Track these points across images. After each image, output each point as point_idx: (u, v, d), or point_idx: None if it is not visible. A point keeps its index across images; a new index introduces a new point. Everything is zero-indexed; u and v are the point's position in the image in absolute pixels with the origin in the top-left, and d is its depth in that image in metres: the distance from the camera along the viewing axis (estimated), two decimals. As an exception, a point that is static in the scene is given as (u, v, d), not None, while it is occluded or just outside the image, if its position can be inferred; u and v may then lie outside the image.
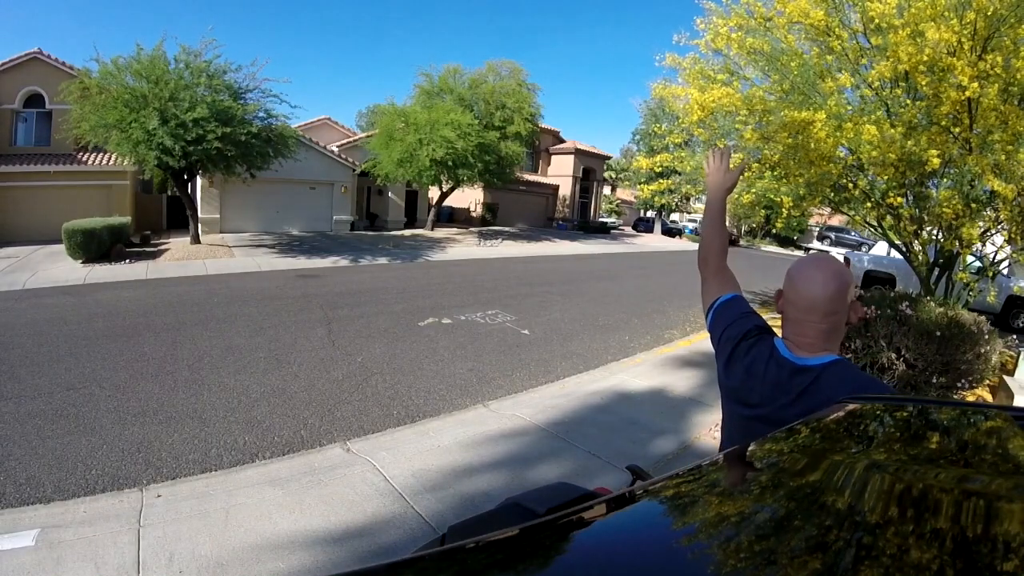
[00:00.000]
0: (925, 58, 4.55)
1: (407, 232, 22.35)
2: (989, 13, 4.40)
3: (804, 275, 1.19)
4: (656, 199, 31.56)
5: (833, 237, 31.66)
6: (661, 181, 8.82)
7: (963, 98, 4.68)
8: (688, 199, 34.76)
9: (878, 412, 1.21)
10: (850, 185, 6.54)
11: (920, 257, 6.60)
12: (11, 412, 4.30)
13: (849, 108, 5.73)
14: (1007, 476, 0.71)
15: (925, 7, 4.48)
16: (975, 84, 4.44)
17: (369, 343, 6.70)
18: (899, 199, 5.90)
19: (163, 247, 14.87)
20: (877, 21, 4.96)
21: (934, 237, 6.59)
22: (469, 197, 28.30)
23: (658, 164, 7.49)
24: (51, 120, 16.33)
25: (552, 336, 7.58)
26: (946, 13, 4.53)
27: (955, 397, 4.30)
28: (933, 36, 4.38)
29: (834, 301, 1.16)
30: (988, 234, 6.50)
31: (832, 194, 6.77)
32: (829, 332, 1.17)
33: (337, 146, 22.43)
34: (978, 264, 7.10)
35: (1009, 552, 0.48)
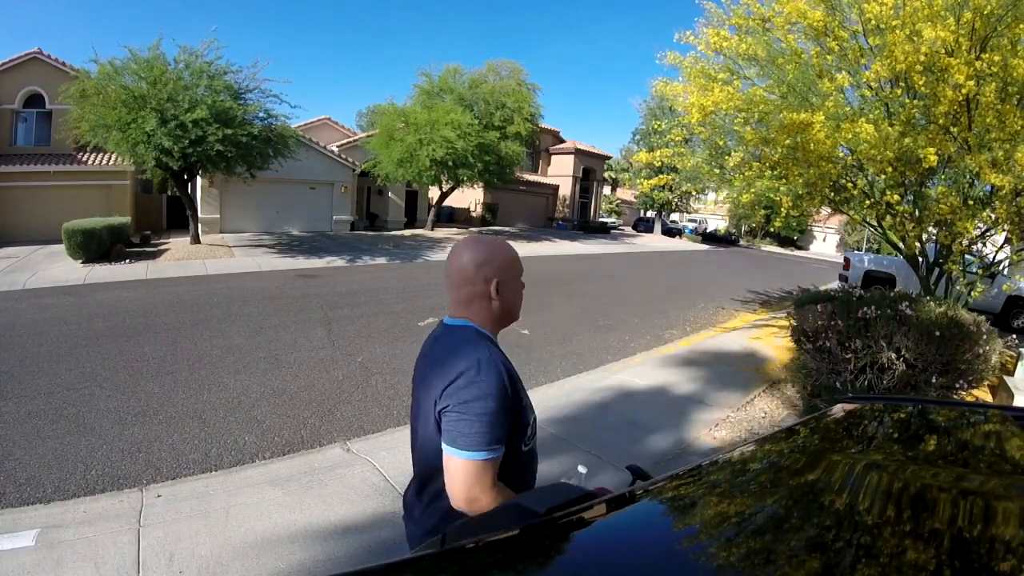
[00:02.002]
0: (922, 57, 4.55)
1: (407, 232, 22.35)
2: (986, 12, 4.40)
3: (452, 250, 1.31)
4: (656, 194, 31.54)
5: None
6: (661, 176, 8.81)
7: (960, 97, 4.69)
8: (688, 197, 34.74)
9: (877, 412, 1.21)
10: (849, 185, 6.54)
11: (918, 251, 6.60)
12: (11, 412, 4.30)
13: (848, 108, 5.74)
14: (1004, 475, 0.72)
15: (922, 7, 4.48)
16: (971, 83, 4.44)
17: (369, 343, 6.70)
18: (895, 196, 5.91)
19: (163, 247, 14.87)
20: (875, 22, 4.97)
21: (933, 236, 6.60)
22: (469, 197, 28.30)
23: (658, 159, 7.48)
24: (51, 120, 16.32)
25: (552, 336, 7.58)
26: (943, 13, 4.53)
27: (954, 397, 4.31)
28: (930, 35, 4.38)
29: (464, 272, 1.25)
30: (988, 234, 6.50)
31: (832, 194, 6.78)
32: (465, 300, 1.26)
33: (337, 146, 22.43)
34: (977, 264, 7.10)
35: (1006, 551, 0.48)
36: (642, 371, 6.10)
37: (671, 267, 19.04)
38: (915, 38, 4.60)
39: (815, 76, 5.86)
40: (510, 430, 1.17)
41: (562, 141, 34.56)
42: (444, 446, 1.14)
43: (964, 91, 4.56)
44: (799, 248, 40.27)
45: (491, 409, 1.11)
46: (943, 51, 4.63)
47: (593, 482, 3.11)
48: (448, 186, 22.64)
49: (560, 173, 33.90)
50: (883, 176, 6.01)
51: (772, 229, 37.62)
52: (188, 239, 15.52)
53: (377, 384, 5.35)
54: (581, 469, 1.37)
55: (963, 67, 4.43)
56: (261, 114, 14.35)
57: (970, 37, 4.63)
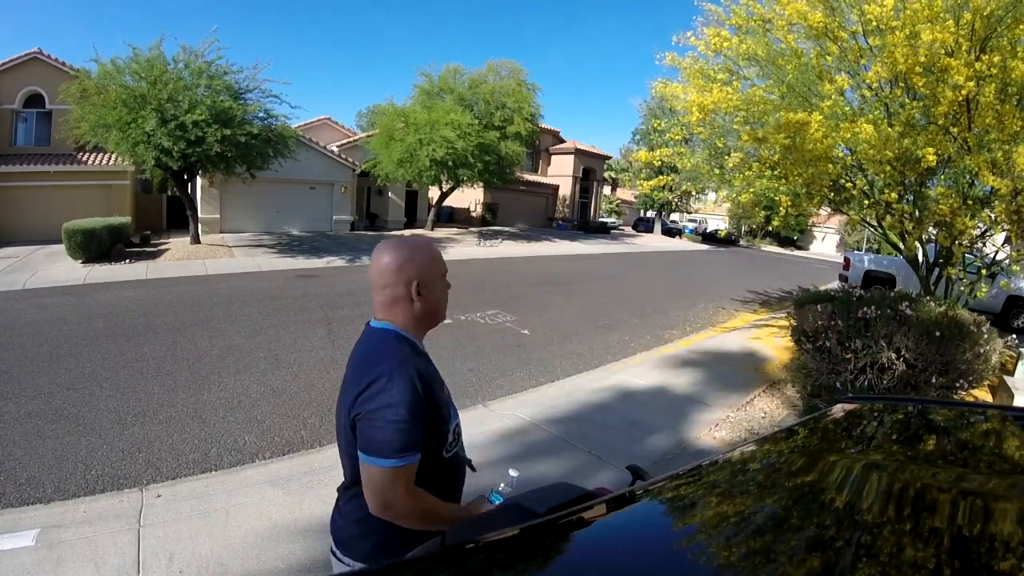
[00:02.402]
0: (922, 59, 4.56)
1: (407, 232, 22.35)
2: (985, 14, 4.41)
3: (374, 251, 1.30)
4: (656, 194, 31.53)
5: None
6: (661, 176, 8.80)
7: (960, 98, 4.69)
8: (688, 197, 34.73)
9: (877, 412, 1.21)
10: (848, 184, 6.54)
11: (918, 252, 6.60)
12: (11, 412, 4.30)
13: (848, 108, 5.74)
14: (1004, 475, 0.72)
15: (922, 8, 4.48)
16: (971, 84, 4.44)
17: (369, 343, 6.70)
18: (894, 195, 5.91)
19: (163, 247, 14.86)
20: (875, 23, 4.97)
21: (932, 236, 6.60)
22: (469, 197, 28.29)
23: (658, 158, 7.47)
24: (51, 120, 16.32)
25: (552, 336, 7.58)
26: (942, 15, 4.54)
27: (954, 397, 4.31)
28: (928, 37, 4.38)
29: (384, 274, 1.24)
30: (988, 234, 6.50)
31: (831, 194, 6.78)
32: (388, 303, 1.26)
33: (337, 146, 22.42)
34: (977, 264, 7.10)
35: (1006, 551, 0.48)
36: (642, 371, 6.10)
37: (671, 267, 19.04)
38: (914, 40, 4.60)
39: (815, 77, 5.86)
40: (427, 437, 1.17)
41: (562, 141, 34.55)
42: (359, 452, 1.15)
43: (964, 92, 4.56)
44: (799, 248, 40.25)
45: (401, 417, 1.11)
46: (943, 52, 4.63)
47: (593, 482, 3.12)
48: (448, 186, 22.63)
49: (560, 173, 33.89)
50: (882, 176, 6.02)
51: (772, 229, 37.61)
52: (188, 239, 15.52)
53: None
54: (512, 473, 1.36)
55: (963, 68, 4.43)
56: (261, 114, 14.35)
57: (970, 38, 4.63)
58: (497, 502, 1.26)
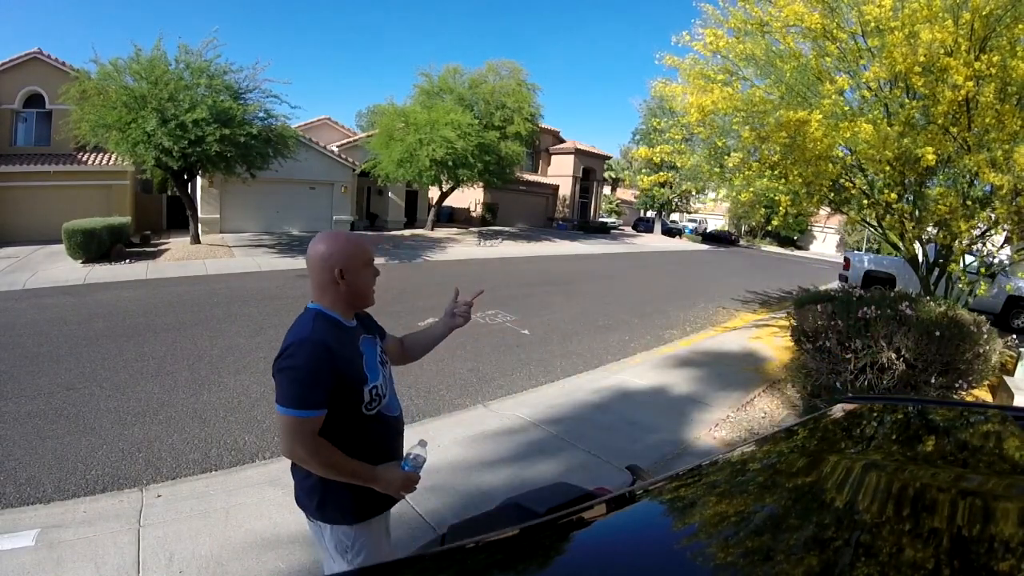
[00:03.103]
0: (920, 58, 4.55)
1: (407, 232, 22.34)
2: (984, 13, 4.40)
3: (310, 243, 1.52)
4: (656, 191, 31.50)
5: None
6: (661, 173, 8.78)
7: (959, 97, 4.69)
8: (688, 197, 34.72)
9: (877, 412, 1.21)
10: (848, 184, 6.54)
11: (919, 256, 6.60)
12: (11, 412, 4.30)
13: (847, 108, 5.73)
14: (1004, 475, 0.71)
15: (921, 8, 4.48)
16: (970, 83, 4.44)
17: (369, 343, 6.70)
18: (893, 195, 5.91)
19: (163, 247, 14.86)
20: (874, 23, 4.97)
21: (931, 236, 6.60)
22: (469, 197, 28.29)
23: (658, 155, 7.45)
24: (51, 120, 16.32)
25: (552, 336, 7.58)
26: (941, 14, 4.53)
27: (954, 397, 4.31)
28: (928, 37, 4.38)
29: (315, 262, 1.47)
30: (988, 234, 6.50)
31: (831, 194, 6.78)
32: (318, 286, 1.49)
33: (337, 146, 22.42)
34: (977, 264, 7.10)
35: (1006, 551, 0.48)
36: (642, 371, 6.10)
37: (671, 267, 19.04)
38: (913, 39, 4.60)
39: (814, 77, 5.86)
40: (342, 397, 1.41)
41: (562, 141, 34.55)
42: (276, 404, 1.39)
43: (963, 92, 4.56)
44: (799, 248, 40.26)
45: (302, 378, 1.35)
46: (942, 51, 4.63)
47: (593, 482, 3.12)
48: (448, 186, 22.62)
49: (560, 173, 33.89)
50: (882, 175, 6.01)
51: (772, 229, 37.63)
52: (188, 239, 15.52)
53: (377, 384, 5.35)
54: (420, 443, 1.53)
55: (962, 68, 4.43)
56: (261, 114, 14.34)
57: (969, 37, 4.62)
58: (407, 469, 1.47)
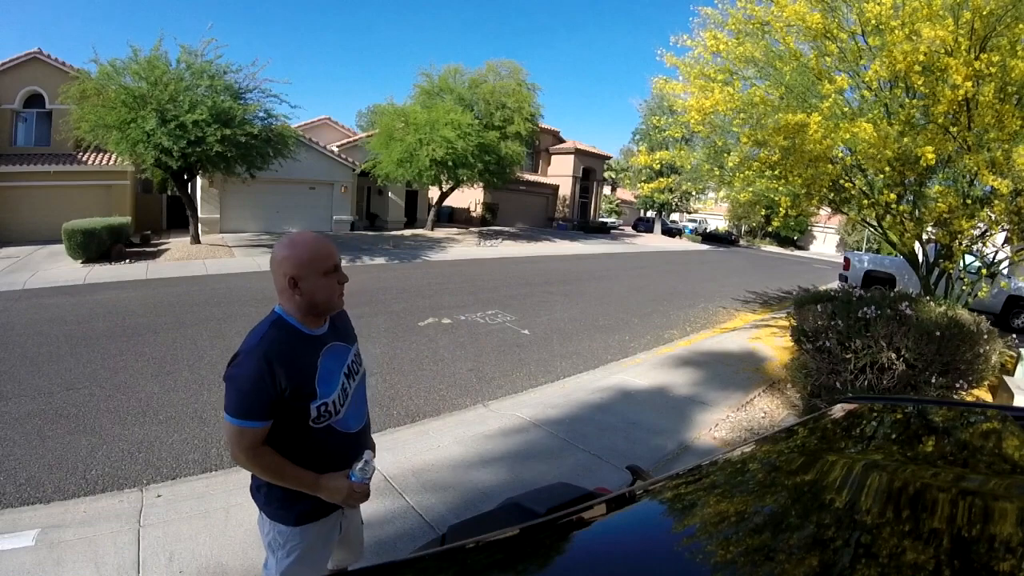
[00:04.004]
0: (921, 57, 4.55)
1: (407, 232, 22.34)
2: (985, 13, 4.40)
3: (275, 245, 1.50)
4: (656, 195, 31.54)
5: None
6: (661, 180, 8.79)
7: (959, 97, 4.68)
8: (688, 197, 34.73)
9: (877, 412, 1.21)
10: (848, 185, 6.54)
11: (917, 252, 6.60)
12: (11, 412, 4.31)
13: (847, 109, 5.74)
14: (1004, 475, 0.71)
15: (921, 7, 4.48)
16: (969, 84, 4.44)
17: (369, 343, 6.70)
18: (892, 196, 5.91)
19: (163, 247, 14.86)
20: (874, 22, 4.97)
21: (932, 235, 6.60)
22: (469, 197, 28.28)
23: (657, 161, 7.47)
24: (51, 120, 16.32)
25: (552, 336, 7.58)
26: (942, 13, 4.53)
27: (954, 397, 4.31)
28: (929, 35, 4.38)
29: (272, 267, 1.45)
30: (988, 234, 6.50)
31: (831, 194, 6.78)
32: (279, 291, 1.46)
33: (337, 146, 22.42)
34: (977, 264, 7.10)
35: (1006, 551, 0.48)
36: (642, 371, 6.10)
37: (671, 267, 19.04)
38: (914, 37, 4.59)
39: (814, 77, 5.86)
40: (288, 409, 1.39)
41: (562, 141, 34.54)
42: None
43: (962, 92, 4.56)
44: (799, 248, 40.26)
45: (245, 388, 1.35)
46: (942, 50, 4.63)
47: (593, 482, 3.12)
48: (448, 186, 22.62)
49: (560, 173, 33.88)
50: (881, 176, 6.01)
51: (772, 229, 37.64)
52: (188, 239, 15.52)
53: (376, 384, 5.35)
54: (365, 457, 1.50)
55: (962, 68, 4.42)
56: (261, 114, 14.34)
57: (969, 37, 4.62)
58: (354, 480, 1.46)
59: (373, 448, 1.70)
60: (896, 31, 4.69)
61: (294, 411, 1.41)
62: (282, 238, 1.47)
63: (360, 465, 1.47)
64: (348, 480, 1.47)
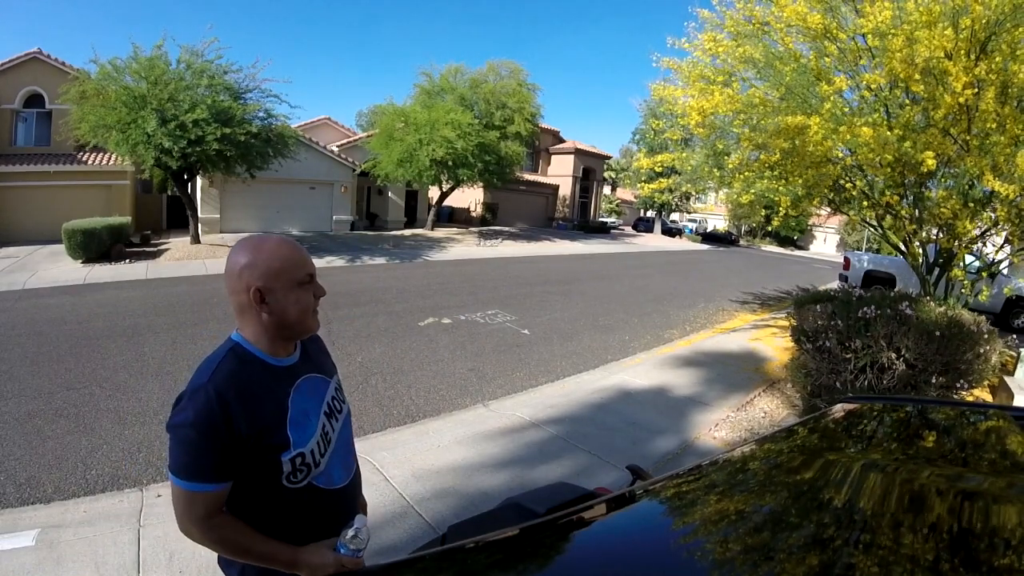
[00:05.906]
0: (920, 62, 4.55)
1: (407, 232, 22.34)
2: (984, 21, 4.40)
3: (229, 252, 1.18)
4: (656, 196, 31.58)
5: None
6: (661, 180, 8.83)
7: (960, 101, 4.68)
8: (688, 198, 34.75)
9: (877, 412, 1.21)
10: (848, 185, 6.54)
11: (919, 259, 6.59)
12: (11, 412, 4.31)
13: (847, 110, 5.73)
14: (1004, 475, 0.72)
15: (921, 15, 4.47)
16: (968, 91, 4.44)
17: (369, 343, 6.70)
18: (894, 198, 5.90)
19: (163, 247, 14.86)
20: (873, 27, 4.96)
21: (933, 237, 6.60)
22: (469, 197, 28.28)
23: (658, 163, 7.51)
24: (51, 120, 16.32)
25: (552, 336, 7.58)
26: (941, 20, 4.52)
27: (954, 397, 4.31)
28: (927, 41, 4.37)
29: (229, 279, 1.14)
30: (988, 235, 6.50)
31: (832, 195, 6.77)
32: (237, 311, 1.17)
33: (337, 146, 22.42)
34: (977, 264, 7.10)
35: (1006, 550, 0.48)
36: (642, 371, 6.10)
37: (671, 267, 19.04)
38: (913, 45, 4.58)
39: (814, 78, 5.85)
40: (247, 467, 1.07)
41: (562, 141, 34.55)
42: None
43: (962, 98, 4.55)
44: (799, 248, 40.26)
45: (191, 439, 1.02)
46: (943, 55, 4.62)
47: (593, 482, 3.12)
48: (448, 186, 22.62)
49: (560, 173, 33.89)
50: (882, 177, 6.01)
51: (772, 229, 37.63)
52: (188, 239, 15.51)
53: (377, 384, 5.35)
54: (358, 523, 1.13)
55: (961, 74, 4.41)
56: (261, 114, 14.34)
57: (969, 40, 4.61)
58: (343, 553, 1.10)
59: (364, 508, 1.36)
60: (895, 38, 4.69)
61: (261, 466, 1.09)
62: (238, 242, 1.16)
63: (351, 534, 1.11)
64: (335, 553, 1.10)
